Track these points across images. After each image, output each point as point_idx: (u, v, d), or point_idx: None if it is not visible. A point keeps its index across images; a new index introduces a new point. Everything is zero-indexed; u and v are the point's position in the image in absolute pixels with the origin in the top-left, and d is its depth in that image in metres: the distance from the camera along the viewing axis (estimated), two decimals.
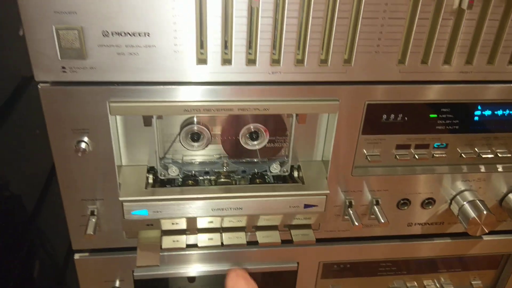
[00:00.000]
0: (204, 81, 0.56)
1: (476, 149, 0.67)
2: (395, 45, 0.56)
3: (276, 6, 0.52)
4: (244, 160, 0.66)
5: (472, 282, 0.82)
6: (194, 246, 0.66)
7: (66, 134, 0.57)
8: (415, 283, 0.80)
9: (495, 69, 0.59)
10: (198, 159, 0.66)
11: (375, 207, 0.67)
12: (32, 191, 0.93)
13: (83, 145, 0.57)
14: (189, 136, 0.62)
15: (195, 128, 0.62)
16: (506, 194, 0.70)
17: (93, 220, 0.62)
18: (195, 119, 0.62)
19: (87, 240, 0.62)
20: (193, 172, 0.65)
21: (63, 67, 0.53)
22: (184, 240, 0.64)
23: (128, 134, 0.63)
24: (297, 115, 0.62)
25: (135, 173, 0.64)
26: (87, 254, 0.68)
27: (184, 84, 0.56)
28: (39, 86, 0.54)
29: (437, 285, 0.81)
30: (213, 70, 0.55)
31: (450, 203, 0.70)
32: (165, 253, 0.68)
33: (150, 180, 0.64)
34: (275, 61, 0.56)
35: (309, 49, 0.55)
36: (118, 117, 0.60)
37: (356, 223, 0.65)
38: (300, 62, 0.56)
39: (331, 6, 0.53)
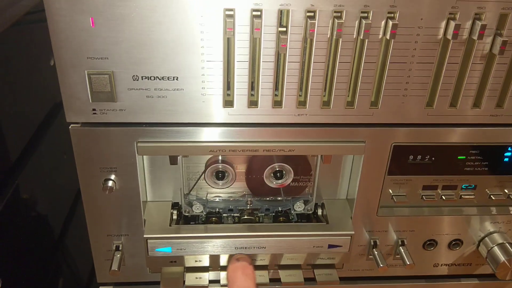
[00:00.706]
0: (230, 122, 0.56)
1: (506, 190, 0.65)
2: (423, 89, 0.56)
3: (303, 51, 0.53)
4: (268, 198, 0.66)
5: None
6: (216, 282, 0.66)
7: (95, 172, 0.58)
8: None
9: None
10: (222, 196, 0.66)
11: (400, 248, 0.66)
12: (59, 212, 0.95)
13: (110, 183, 0.58)
14: (214, 174, 0.62)
15: (220, 166, 0.62)
16: None
17: (118, 256, 0.62)
18: (220, 158, 0.63)
19: (112, 276, 0.62)
20: (217, 209, 0.65)
21: (94, 109, 0.54)
22: (206, 277, 0.64)
23: (154, 171, 0.64)
24: (323, 155, 0.62)
25: (159, 209, 0.65)
26: (111, 287, 0.68)
27: (211, 125, 0.56)
28: (70, 127, 0.55)
29: None
30: (240, 112, 0.56)
31: (478, 245, 0.68)
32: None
33: (175, 216, 0.64)
34: (301, 103, 0.56)
35: (335, 92, 0.55)
36: (144, 156, 0.61)
37: (381, 265, 0.64)
38: (326, 104, 0.56)
39: (358, 50, 0.53)
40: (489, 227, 0.67)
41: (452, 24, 0.51)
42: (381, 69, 0.55)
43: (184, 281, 0.64)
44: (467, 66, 0.55)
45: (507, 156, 0.63)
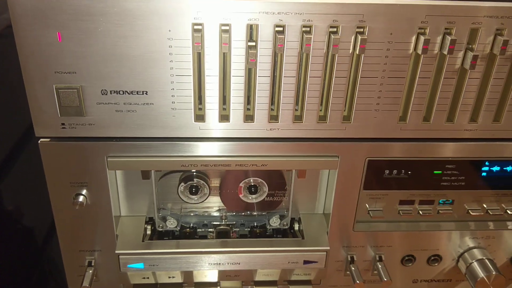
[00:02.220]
0: (202, 137, 0.56)
1: (484, 205, 0.65)
2: (395, 104, 0.55)
3: (274, 65, 0.52)
4: (243, 213, 0.65)
5: None
6: None
7: (65, 187, 0.57)
8: None
9: (502, 127, 0.58)
10: (197, 211, 0.65)
11: (378, 263, 0.65)
12: (43, 222, 0.94)
13: (81, 198, 0.57)
14: (188, 189, 0.62)
15: (194, 181, 0.61)
16: None
17: (90, 271, 0.61)
18: (194, 172, 0.62)
19: None
20: (192, 224, 0.64)
21: (63, 124, 0.53)
22: None
23: (129, 185, 0.63)
24: (296, 169, 0.61)
25: (134, 224, 0.64)
26: None
27: (182, 140, 0.56)
28: (39, 142, 0.55)
29: None
30: (211, 126, 0.55)
31: (458, 261, 0.67)
32: None
33: (149, 232, 0.64)
34: (273, 118, 0.56)
35: (307, 106, 0.55)
36: (117, 170, 0.61)
37: (357, 281, 0.63)
38: (298, 119, 0.56)
39: (329, 64, 0.53)
40: (468, 242, 0.66)
41: (422, 39, 0.51)
42: (352, 84, 0.54)
43: None
44: (439, 81, 0.54)
45: (484, 171, 0.63)
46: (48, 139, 0.55)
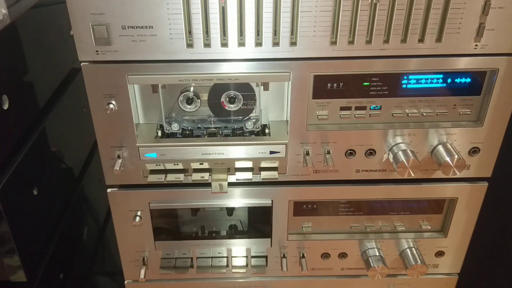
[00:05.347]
0: (192, 59, 0.80)
1: (406, 110, 0.87)
2: (327, 31, 0.77)
3: (241, 2, 0.75)
4: (225, 119, 0.89)
5: (422, 225, 1.01)
6: (192, 184, 0.91)
7: (100, 97, 0.82)
8: (372, 224, 1.00)
9: (408, 46, 0.79)
10: (193, 118, 0.90)
11: (326, 155, 0.88)
12: (78, 156, 1.19)
13: (111, 105, 0.82)
14: (185, 100, 0.86)
15: (190, 94, 0.86)
16: (435, 147, 0.89)
17: (119, 161, 0.87)
18: (191, 88, 0.86)
19: (115, 176, 0.87)
20: (189, 127, 0.89)
21: (97, 51, 0.78)
22: (182, 176, 0.88)
23: (145, 100, 0.88)
24: (262, 83, 0.84)
25: (149, 129, 0.89)
26: (116, 189, 0.93)
27: (178, 62, 0.80)
28: (81, 64, 0.80)
29: (391, 226, 1.00)
30: (198, 51, 0.79)
31: (388, 154, 0.90)
32: (172, 189, 0.92)
33: (159, 134, 0.88)
34: (241, 44, 0.79)
35: (264, 35, 0.78)
36: (136, 86, 0.85)
37: (308, 165, 0.86)
38: (259, 44, 0.79)
39: (279, 3, 0.76)
40: (394, 139, 0.88)
41: None
42: (296, 17, 0.77)
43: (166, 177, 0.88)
44: (357, 12, 0.76)
45: (404, 83, 0.85)
46: (87, 63, 0.80)
